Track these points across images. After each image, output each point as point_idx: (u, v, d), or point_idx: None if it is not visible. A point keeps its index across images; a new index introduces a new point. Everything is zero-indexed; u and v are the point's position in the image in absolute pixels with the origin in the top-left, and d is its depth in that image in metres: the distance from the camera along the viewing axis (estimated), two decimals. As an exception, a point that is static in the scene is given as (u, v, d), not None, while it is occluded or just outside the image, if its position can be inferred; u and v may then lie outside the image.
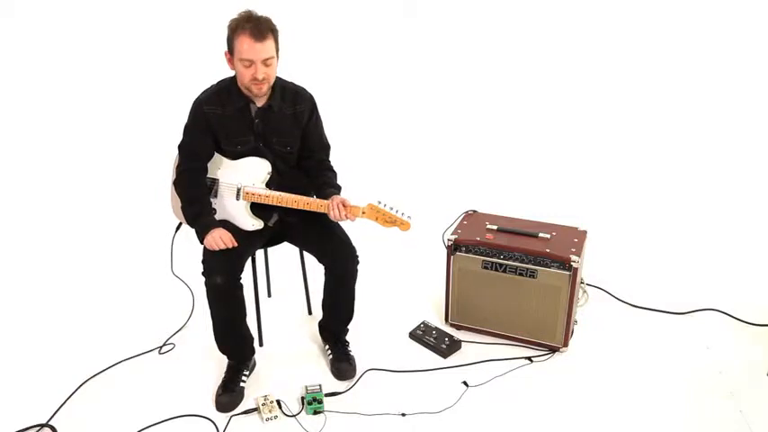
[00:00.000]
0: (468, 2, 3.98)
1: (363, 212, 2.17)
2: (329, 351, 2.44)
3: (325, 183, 2.27)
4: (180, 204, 2.30)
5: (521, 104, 4.08)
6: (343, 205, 2.15)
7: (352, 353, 2.43)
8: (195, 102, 2.22)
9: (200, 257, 2.19)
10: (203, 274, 2.16)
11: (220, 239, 2.13)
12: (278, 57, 2.11)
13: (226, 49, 2.09)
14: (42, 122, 3.79)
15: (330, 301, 2.41)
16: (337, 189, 2.28)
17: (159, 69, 3.79)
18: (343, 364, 2.37)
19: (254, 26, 2.00)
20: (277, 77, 2.19)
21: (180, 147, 2.28)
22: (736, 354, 2.50)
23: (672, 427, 2.13)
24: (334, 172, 2.37)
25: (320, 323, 2.52)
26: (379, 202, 2.17)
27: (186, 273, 2.60)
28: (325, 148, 2.38)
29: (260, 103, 2.19)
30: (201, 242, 2.18)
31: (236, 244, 2.16)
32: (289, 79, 2.29)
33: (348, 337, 2.49)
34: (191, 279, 2.62)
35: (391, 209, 2.16)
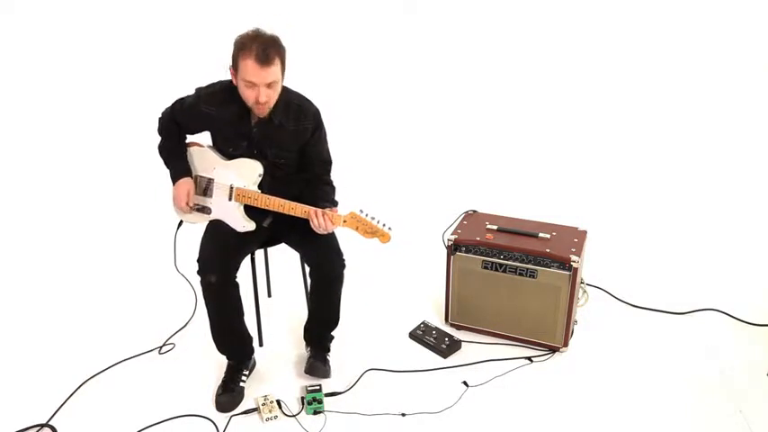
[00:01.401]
0: None
1: (345, 221, 2.13)
2: (309, 352, 2.42)
3: (321, 197, 2.24)
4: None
5: (521, 104, 4.07)
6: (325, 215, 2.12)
7: (330, 359, 2.40)
8: (197, 93, 2.21)
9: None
10: (198, 272, 2.17)
11: (181, 200, 2.29)
12: (284, 76, 2.07)
13: (230, 64, 2.04)
14: (44, 119, 3.79)
15: (315, 304, 2.39)
16: (333, 204, 2.24)
17: (162, 66, 3.78)
18: (317, 363, 2.34)
19: (260, 49, 1.94)
20: (283, 87, 2.13)
21: (174, 104, 2.29)
22: (736, 354, 2.50)
23: (672, 426, 2.13)
24: (333, 186, 2.33)
25: (305, 326, 2.48)
26: (361, 211, 2.13)
27: (190, 272, 2.60)
28: (325, 163, 2.33)
29: (263, 113, 2.17)
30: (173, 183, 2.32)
31: (190, 204, 2.31)
32: (293, 83, 2.25)
33: (348, 338, 2.49)
34: (194, 278, 2.62)
35: (372, 219, 2.12)
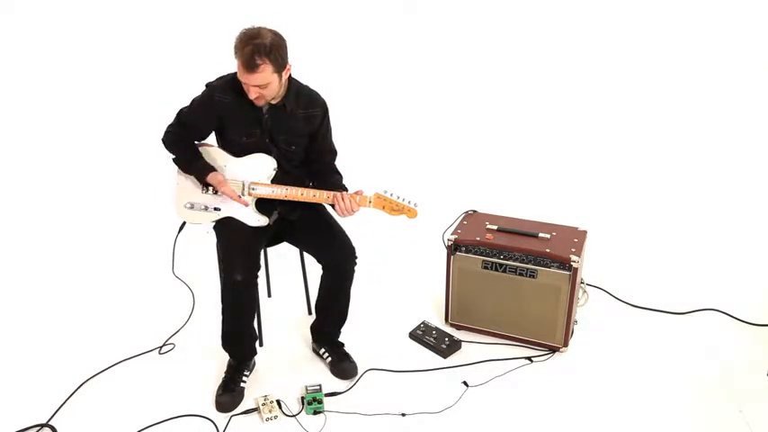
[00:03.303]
0: (468, -1, 3.98)
1: (370, 202, 2.20)
2: (326, 354, 2.44)
3: (332, 185, 2.29)
4: (182, 203, 2.32)
5: (521, 104, 4.07)
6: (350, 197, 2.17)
7: (348, 351, 2.44)
8: (208, 86, 2.22)
9: (205, 258, 2.22)
10: (223, 271, 2.18)
11: (233, 193, 2.21)
12: (282, 71, 2.08)
13: None
14: (43, 121, 3.79)
15: (326, 300, 2.41)
16: (345, 191, 2.28)
17: (163, 67, 3.78)
18: (344, 364, 2.38)
19: (247, 56, 1.96)
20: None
21: (179, 113, 2.29)
22: (736, 354, 2.50)
23: (672, 426, 2.14)
24: (341, 174, 2.38)
25: (313, 325, 2.51)
26: (385, 192, 2.20)
27: (187, 274, 2.60)
28: (333, 153, 2.39)
29: (273, 100, 2.19)
30: (203, 185, 2.26)
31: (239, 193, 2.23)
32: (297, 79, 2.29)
33: (347, 338, 2.49)
34: (192, 280, 2.62)
35: (398, 197, 2.20)
